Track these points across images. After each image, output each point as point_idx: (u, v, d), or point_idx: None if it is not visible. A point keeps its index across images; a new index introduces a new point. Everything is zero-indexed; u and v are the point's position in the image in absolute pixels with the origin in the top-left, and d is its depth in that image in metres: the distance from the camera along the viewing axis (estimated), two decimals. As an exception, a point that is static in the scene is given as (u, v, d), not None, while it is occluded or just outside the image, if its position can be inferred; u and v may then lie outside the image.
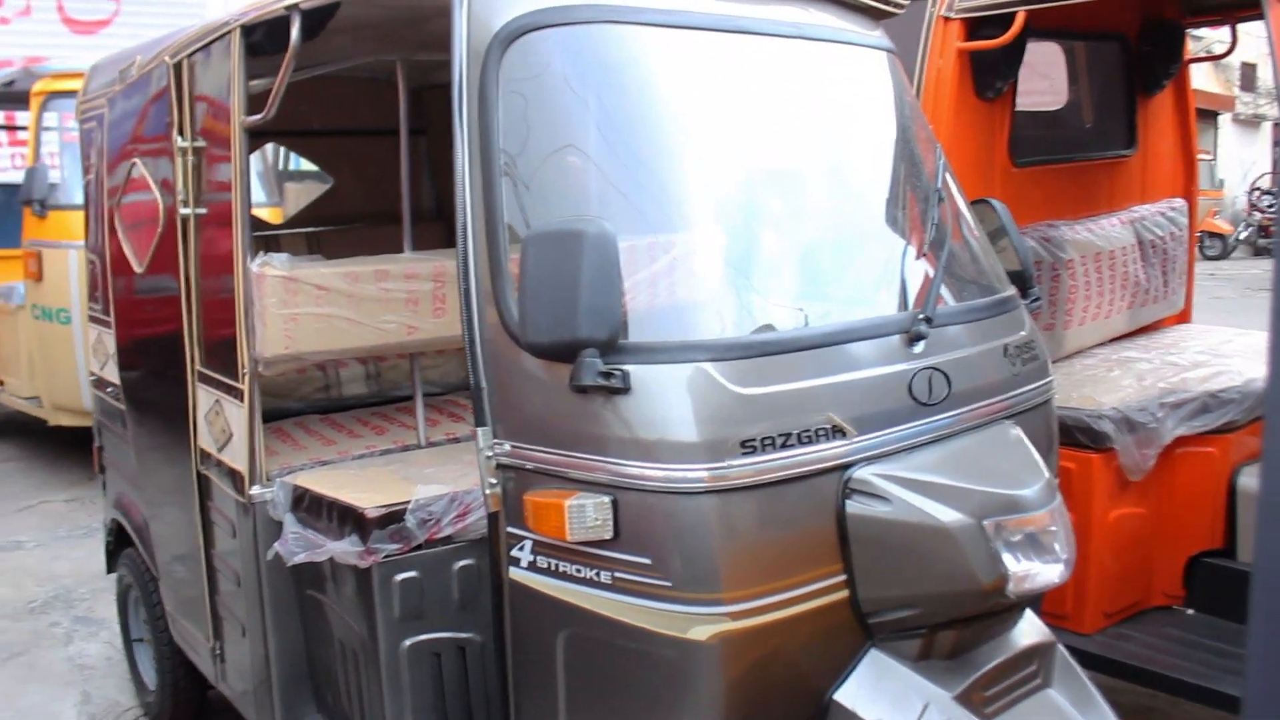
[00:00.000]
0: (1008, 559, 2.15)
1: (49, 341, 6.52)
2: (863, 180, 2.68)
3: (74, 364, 6.27)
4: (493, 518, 2.27)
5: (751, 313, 2.29)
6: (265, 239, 4.70)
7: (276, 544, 2.96)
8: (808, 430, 2.12)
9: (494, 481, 2.24)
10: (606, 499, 2.07)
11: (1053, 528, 2.23)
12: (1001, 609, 2.29)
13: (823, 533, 2.14)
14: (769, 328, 2.25)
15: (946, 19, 3.50)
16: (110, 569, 4.61)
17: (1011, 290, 2.74)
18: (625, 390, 2.05)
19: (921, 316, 2.35)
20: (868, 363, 2.27)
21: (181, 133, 3.27)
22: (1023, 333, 2.66)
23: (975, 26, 3.49)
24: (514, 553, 2.25)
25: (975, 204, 2.92)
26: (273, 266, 3.00)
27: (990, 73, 3.55)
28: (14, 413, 7.55)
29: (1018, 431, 2.43)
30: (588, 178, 2.29)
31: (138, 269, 3.74)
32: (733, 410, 2.06)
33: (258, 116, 2.90)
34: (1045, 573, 2.22)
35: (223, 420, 3.24)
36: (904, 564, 2.15)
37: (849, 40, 2.74)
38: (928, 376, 2.33)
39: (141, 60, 3.63)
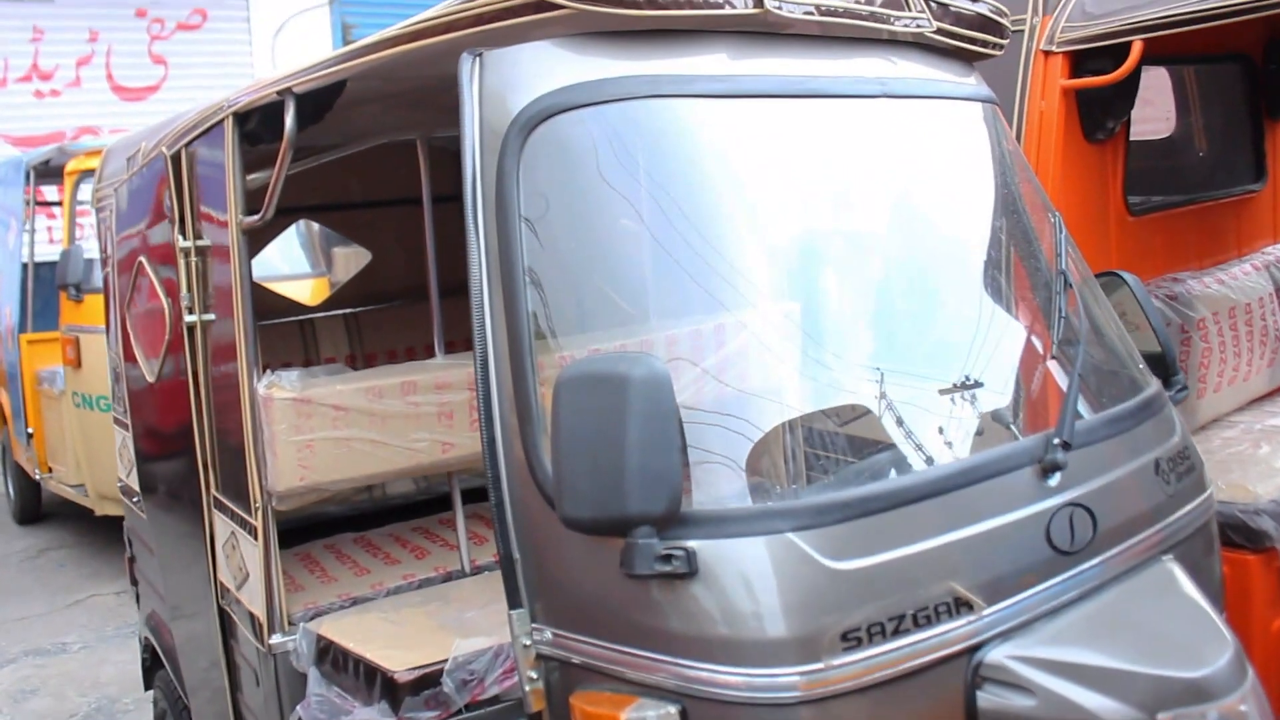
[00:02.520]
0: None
1: (91, 429, 6.25)
2: (970, 273, 2.20)
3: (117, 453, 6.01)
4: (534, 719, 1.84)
5: (844, 459, 1.84)
6: (301, 324, 4.36)
7: (299, 708, 2.57)
8: (925, 608, 1.66)
9: (534, 676, 1.81)
10: (673, 709, 1.63)
11: (1242, 707, 1.74)
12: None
13: (949, 732, 1.68)
14: (867, 476, 1.80)
15: (1047, 54, 3.02)
16: (148, 686, 4.28)
17: (1155, 385, 2.26)
18: (690, 574, 1.61)
19: (1058, 441, 1.88)
20: (994, 508, 1.81)
21: (183, 231, 2.91)
22: (1174, 439, 2.18)
23: (1081, 60, 3.01)
24: (562, 760, 1.82)
25: (1102, 278, 2.44)
26: (281, 388, 2.62)
27: (1101, 112, 3.06)
28: (65, 499, 7.32)
29: (1180, 573, 1.95)
30: (637, 298, 1.88)
31: (149, 378, 3.39)
32: (830, 592, 1.61)
33: (255, 217, 2.52)
34: None
35: (239, 556, 2.86)
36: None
37: (943, 94, 2.28)
38: (1068, 516, 1.86)
39: (145, 148, 3.29)
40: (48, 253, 6.85)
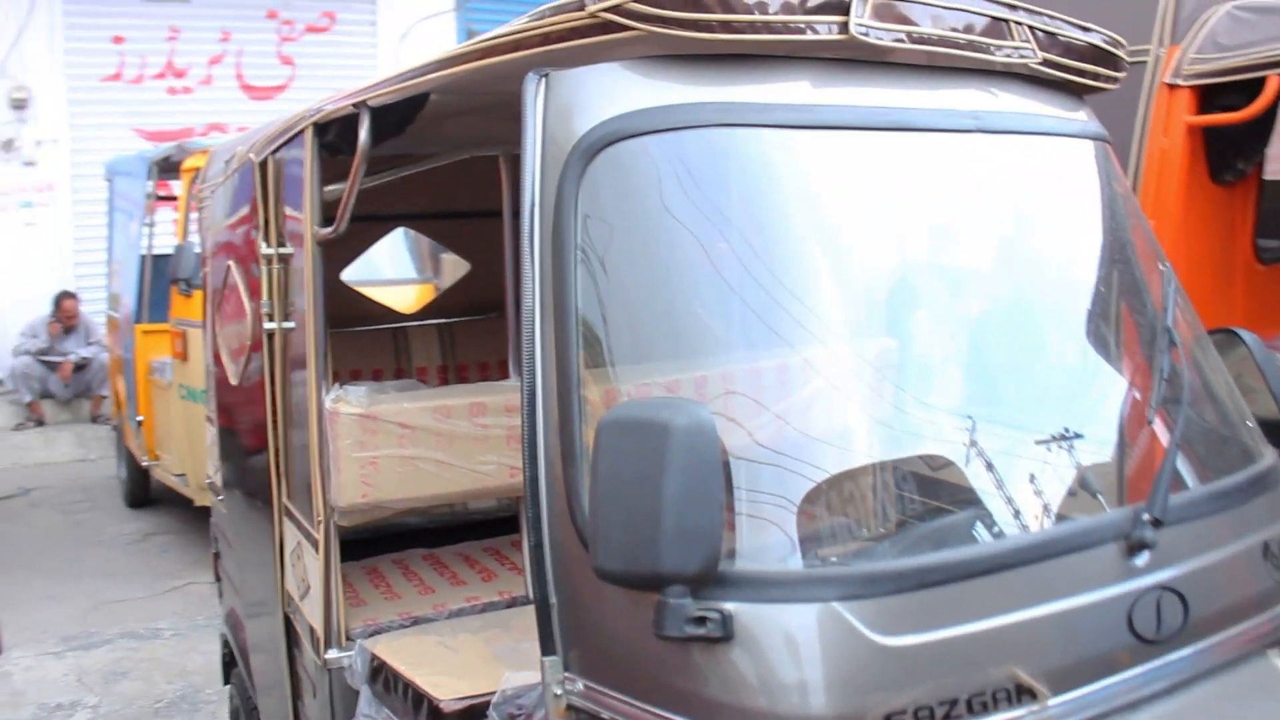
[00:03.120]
0: None
1: (194, 421, 6.39)
2: (1063, 323, 2.03)
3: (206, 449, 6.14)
4: (564, 780, 1.75)
5: (903, 521, 1.71)
6: (394, 332, 4.37)
7: (348, 728, 2.53)
8: (981, 694, 1.52)
9: (563, 728, 1.73)
10: (706, 789, 1.53)
11: None
12: None
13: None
14: (929, 543, 1.66)
15: (1173, 87, 2.83)
16: (226, 681, 4.33)
17: (1271, 457, 2.06)
18: (725, 639, 1.50)
19: (1148, 517, 1.71)
20: (1069, 588, 1.65)
21: (266, 238, 2.91)
22: None
23: (1210, 95, 2.81)
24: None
25: (1217, 335, 2.24)
26: (348, 403, 2.59)
27: (1231, 151, 2.85)
28: (171, 487, 7.53)
29: (1273, 675, 1.76)
30: (692, 333, 1.77)
31: (233, 379, 3.42)
32: (876, 670, 1.49)
33: (329, 229, 2.49)
34: None
35: (303, 567, 2.84)
36: None
37: (1046, 129, 2.12)
38: (1155, 600, 1.69)
39: (240, 152, 3.31)
40: (167, 245, 7.04)
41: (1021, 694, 1.54)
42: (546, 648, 1.72)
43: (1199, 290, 2.24)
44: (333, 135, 2.49)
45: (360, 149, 2.31)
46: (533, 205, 1.74)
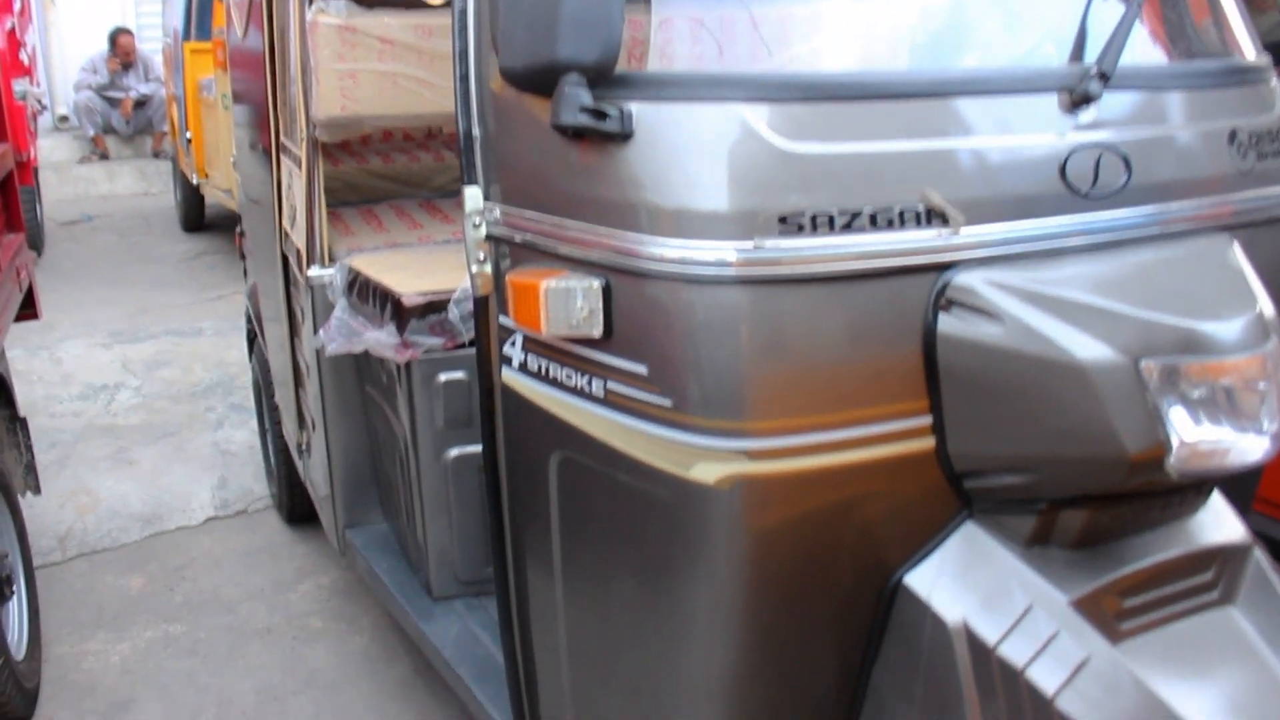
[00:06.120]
0: (1177, 420, 1.47)
1: (236, 131, 6.46)
2: None
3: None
4: (480, 304, 1.78)
5: (819, 36, 1.64)
6: None
7: (320, 330, 2.60)
8: (888, 210, 1.49)
9: (481, 258, 1.74)
10: (596, 283, 1.54)
11: (1260, 383, 1.52)
12: (1164, 489, 1.62)
13: (901, 357, 1.53)
14: (846, 60, 1.60)
15: None
16: (251, 355, 4.51)
17: (1263, 59, 1.94)
18: (625, 136, 1.48)
19: (1096, 70, 1.63)
20: (997, 127, 1.59)
21: None
22: (1268, 116, 1.87)
23: None
24: (506, 350, 1.76)
25: None
26: (327, 14, 2.56)
27: None
28: (224, 211, 7.68)
29: (1235, 250, 1.70)
30: None
31: (239, 33, 3.40)
32: (774, 172, 1.46)
33: None
34: (1236, 446, 1.51)
35: (293, 194, 2.88)
36: (1014, 411, 1.51)
37: None
38: (1095, 157, 1.62)
39: None
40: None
41: (933, 218, 1.51)
42: (468, 177, 1.72)
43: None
44: None
45: None
46: None
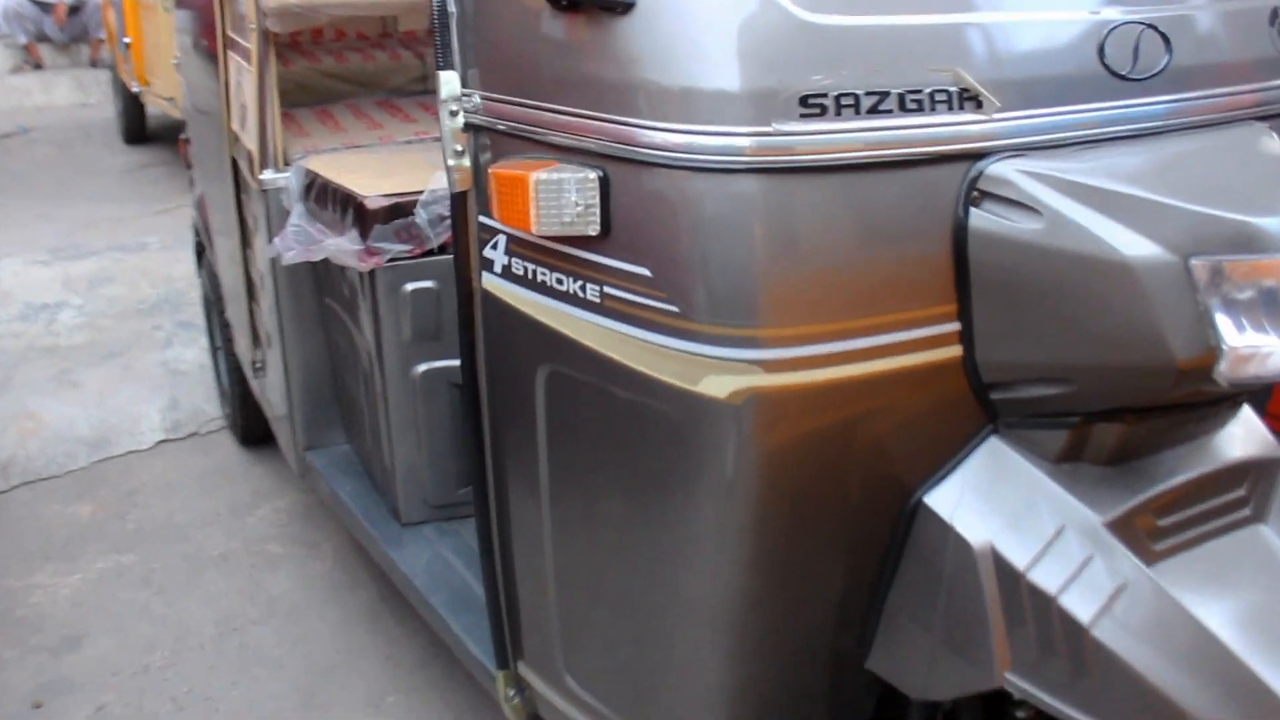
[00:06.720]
0: (1224, 324, 1.34)
1: (178, 34, 6.12)
2: None
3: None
4: (458, 201, 1.61)
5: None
6: None
7: (275, 238, 2.42)
8: (917, 91, 1.33)
9: (459, 149, 1.57)
10: (593, 174, 1.37)
11: None
12: (1203, 401, 1.50)
13: (929, 256, 1.38)
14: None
15: None
16: (199, 268, 4.29)
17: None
18: (626, 6, 1.30)
19: (1136, -66, 1.47)
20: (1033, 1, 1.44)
21: None
22: None
23: None
24: (486, 253, 1.60)
25: None
26: (275, -115, 2.32)
27: None
28: (168, 121, 7.34)
29: (1274, 139, 1.57)
30: None
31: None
32: (794, 45, 1.29)
33: None
34: None
35: (241, 92, 2.67)
36: (1053, 315, 1.38)
37: None
38: (1135, 35, 1.47)
39: None
40: None
41: (965, 100, 1.36)
42: (443, 60, 1.54)
43: None
44: None
45: None
46: None
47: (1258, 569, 1.58)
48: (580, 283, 1.45)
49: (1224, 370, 1.35)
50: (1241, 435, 1.64)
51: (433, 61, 3.22)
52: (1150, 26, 1.48)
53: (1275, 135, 1.56)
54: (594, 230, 1.38)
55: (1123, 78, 1.46)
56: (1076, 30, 1.44)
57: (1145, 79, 1.48)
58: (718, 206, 1.31)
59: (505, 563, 1.83)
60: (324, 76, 3.16)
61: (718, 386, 1.36)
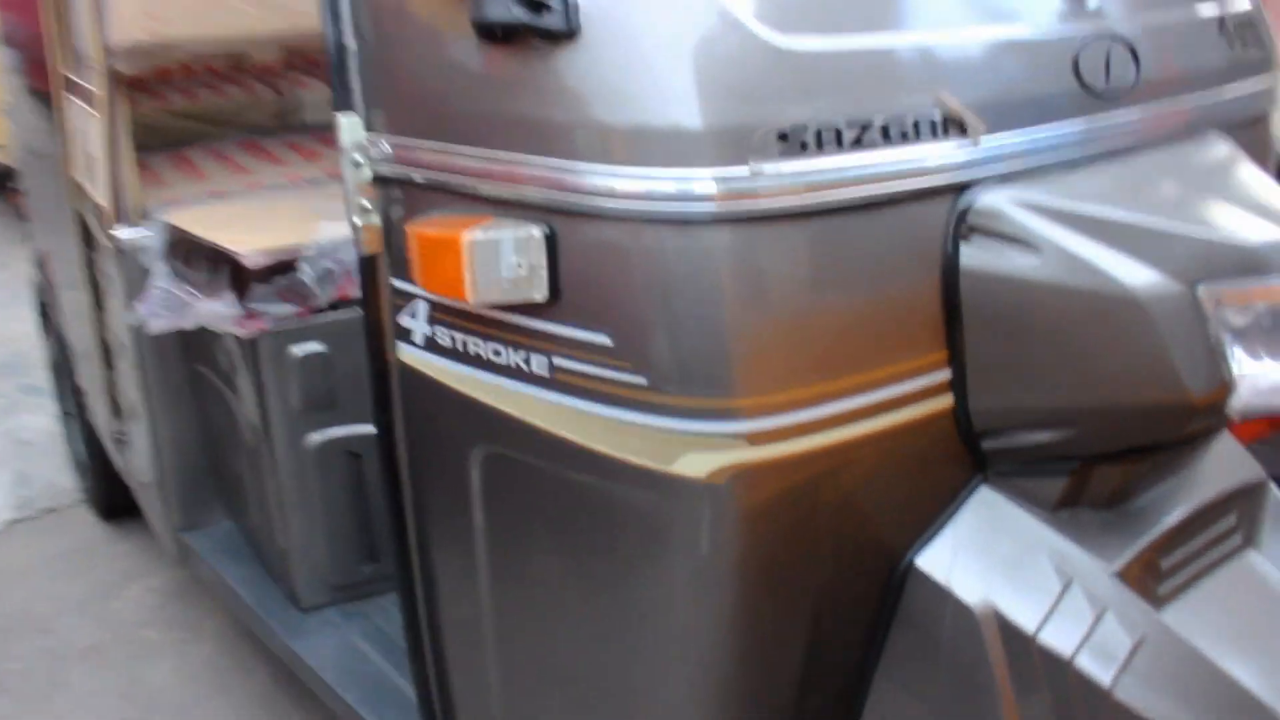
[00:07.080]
0: (1238, 354, 1.24)
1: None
2: None
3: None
4: (367, 265, 1.39)
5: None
6: None
7: (137, 303, 2.15)
8: (900, 118, 1.19)
9: (367, 206, 1.36)
10: (536, 231, 1.18)
11: None
12: (1204, 434, 1.40)
13: (917, 301, 1.24)
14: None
15: None
16: (47, 332, 3.92)
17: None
18: (568, 34, 1.12)
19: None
20: (1009, 14, 1.32)
21: None
22: (1242, 5, 1.67)
23: None
24: (402, 320, 1.39)
25: None
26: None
27: None
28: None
29: (1231, 148, 1.49)
30: None
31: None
32: (770, 75, 1.13)
33: None
34: None
35: (86, 139, 2.38)
36: (1054, 355, 1.25)
37: None
38: (1105, 50, 1.37)
39: None
40: None
41: (949, 126, 1.22)
42: (341, 102, 1.33)
43: None
44: None
45: None
46: None
47: (1259, 599, 1.50)
48: (524, 354, 1.25)
49: (1240, 402, 1.25)
50: (1225, 460, 1.56)
51: (290, 94, 3.02)
52: (1117, 39, 1.38)
53: (1228, 141, 1.50)
54: (541, 296, 1.19)
55: (1097, 94, 1.36)
56: (1050, 47, 1.33)
57: (1117, 93, 1.38)
58: (685, 263, 1.14)
59: (438, 663, 1.62)
60: (174, 116, 2.87)
61: (695, 465, 1.19)
